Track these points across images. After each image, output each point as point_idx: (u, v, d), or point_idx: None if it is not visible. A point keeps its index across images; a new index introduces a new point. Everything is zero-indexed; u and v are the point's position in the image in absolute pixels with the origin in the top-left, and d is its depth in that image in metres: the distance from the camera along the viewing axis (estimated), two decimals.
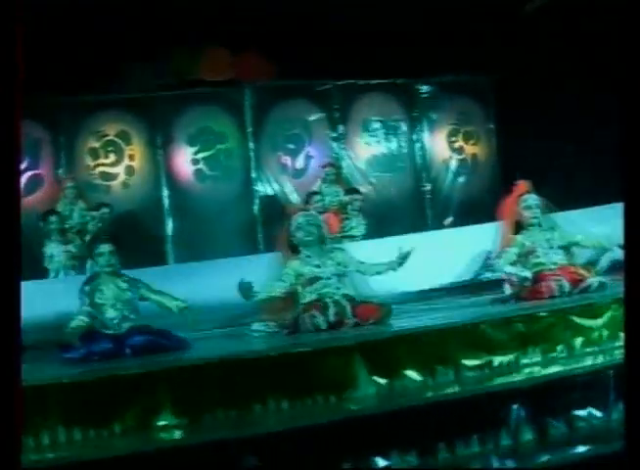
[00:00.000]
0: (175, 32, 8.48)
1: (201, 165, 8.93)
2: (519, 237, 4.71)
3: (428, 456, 3.17)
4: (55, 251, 7.08)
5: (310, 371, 3.40)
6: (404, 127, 9.50)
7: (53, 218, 7.10)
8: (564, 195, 7.56)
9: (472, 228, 5.78)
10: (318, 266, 4.49)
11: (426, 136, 9.57)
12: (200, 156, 8.92)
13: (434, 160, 9.60)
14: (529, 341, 3.72)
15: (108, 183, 8.61)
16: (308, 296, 4.45)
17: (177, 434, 3.19)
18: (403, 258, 4.39)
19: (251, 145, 9.03)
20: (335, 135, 9.30)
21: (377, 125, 9.44)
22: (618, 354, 3.61)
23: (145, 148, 8.77)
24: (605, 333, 3.82)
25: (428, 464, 3.17)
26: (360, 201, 8.08)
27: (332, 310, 4.32)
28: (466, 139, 9.66)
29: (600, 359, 3.69)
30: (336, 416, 3.28)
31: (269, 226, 8.93)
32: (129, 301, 4.39)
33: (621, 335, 3.72)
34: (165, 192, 8.78)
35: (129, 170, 8.72)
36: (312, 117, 9.25)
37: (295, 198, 9.06)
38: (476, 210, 9.04)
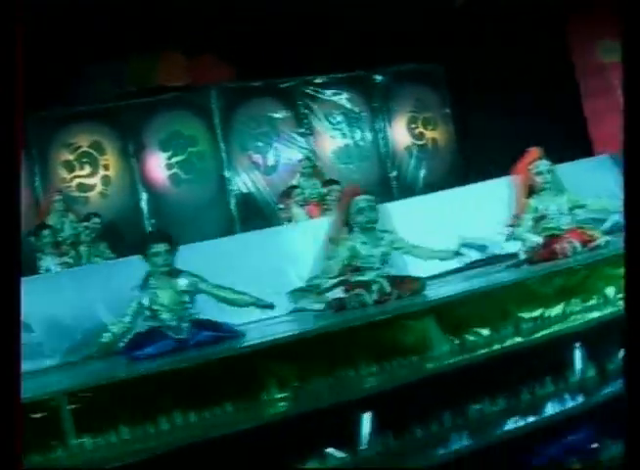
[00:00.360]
0: (133, 39, 8.59)
1: (175, 170, 9.08)
2: (532, 202, 4.97)
3: (512, 399, 3.54)
4: (51, 264, 7.11)
5: (391, 336, 3.68)
6: (366, 118, 9.88)
7: (46, 232, 7.14)
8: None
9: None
10: (371, 256, 4.63)
11: (387, 125, 9.97)
12: (173, 160, 9.07)
13: (396, 147, 10.00)
14: (571, 292, 4.11)
15: (85, 194, 8.66)
16: (353, 278, 4.68)
17: (282, 406, 3.43)
18: (459, 253, 4.67)
19: (222, 146, 9.23)
20: (301, 130, 9.59)
21: (340, 118, 9.79)
22: None
23: (119, 157, 8.86)
24: None
25: (513, 406, 3.53)
26: (338, 191, 8.36)
27: (375, 287, 4.60)
28: (425, 125, 10.11)
29: None
30: (420, 374, 3.59)
31: (247, 224, 9.19)
32: (186, 302, 4.40)
33: None
34: (144, 199, 8.89)
35: (106, 180, 8.79)
36: (278, 115, 9.52)
37: (268, 194, 9.32)
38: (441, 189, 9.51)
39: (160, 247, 4.37)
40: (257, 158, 9.44)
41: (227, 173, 9.25)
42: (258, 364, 3.45)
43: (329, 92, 9.76)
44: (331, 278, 4.56)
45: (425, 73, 10.11)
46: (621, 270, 4.26)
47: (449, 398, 3.48)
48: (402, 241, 4.72)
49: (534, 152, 5.08)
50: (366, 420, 3.28)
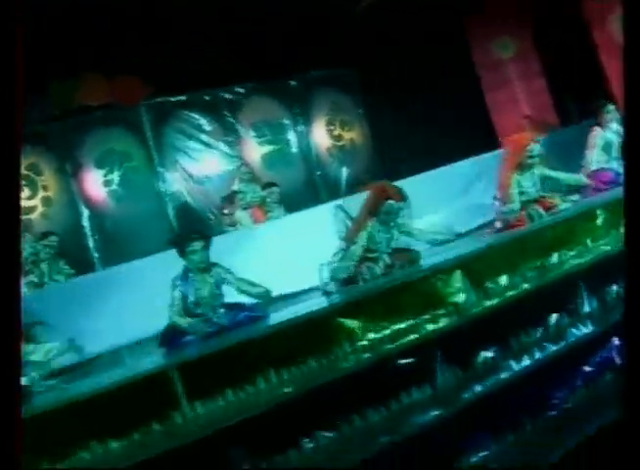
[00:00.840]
0: (53, 63, 8.65)
1: (113, 186, 9.18)
2: (517, 177, 5.53)
3: (544, 330, 4.16)
4: None
5: (428, 291, 4.21)
6: (288, 124, 10.37)
7: None
8: (433, 155, 8.87)
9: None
10: (382, 241, 5.08)
11: (308, 129, 10.50)
12: (110, 177, 9.17)
13: (319, 149, 10.56)
14: (560, 243, 4.80)
15: (28, 217, 8.59)
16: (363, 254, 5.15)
17: (352, 359, 3.87)
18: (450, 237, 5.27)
19: (156, 159, 9.45)
20: (229, 139, 9.94)
21: (264, 127, 10.22)
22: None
23: (56, 176, 8.87)
24: (604, 231, 5.00)
25: (543, 337, 4.15)
26: (277, 193, 8.81)
27: (381, 261, 5.12)
28: (342, 126, 10.73)
29: (609, 247, 4.87)
30: (462, 319, 4.13)
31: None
32: (219, 294, 4.73)
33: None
34: (85, 216, 8.96)
35: (46, 201, 8.78)
36: (205, 126, 9.82)
37: (204, 203, 9.62)
38: (362, 186, 10.14)
39: (197, 245, 4.65)
40: (190, 168, 9.70)
41: (163, 186, 9.47)
42: (331, 323, 3.88)
43: (250, 100, 10.16)
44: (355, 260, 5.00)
45: (336, 77, 10.69)
46: (593, 224, 5.06)
47: (492, 334, 4.06)
48: (407, 225, 5.19)
49: (530, 135, 5.65)
50: (437, 359, 3.78)
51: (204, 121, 9.81)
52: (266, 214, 8.68)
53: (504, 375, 3.85)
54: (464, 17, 10.01)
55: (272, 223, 7.13)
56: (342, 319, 3.92)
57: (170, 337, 4.66)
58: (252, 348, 3.70)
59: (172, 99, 9.64)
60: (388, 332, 3.96)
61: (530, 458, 3.47)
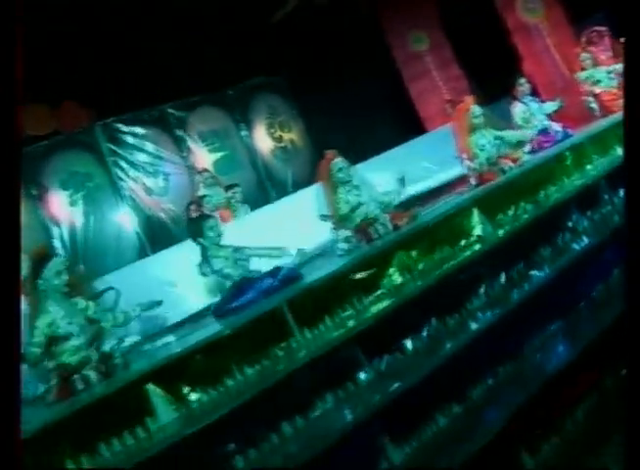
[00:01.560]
0: None
1: (79, 206, 9.50)
2: (473, 138, 6.37)
3: (547, 248, 5.03)
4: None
5: (455, 227, 5.01)
6: (232, 131, 10.99)
7: None
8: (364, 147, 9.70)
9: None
10: (358, 195, 5.63)
11: (251, 133, 11.17)
12: (75, 197, 9.49)
13: (263, 152, 11.23)
14: (544, 181, 5.73)
15: None
16: (360, 217, 5.79)
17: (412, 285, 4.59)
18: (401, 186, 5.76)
19: (116, 176, 9.83)
20: (181, 151, 10.45)
21: (211, 135, 10.79)
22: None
23: (24, 201, 9.07)
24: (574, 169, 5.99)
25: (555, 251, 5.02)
26: (240, 193, 9.40)
27: (382, 220, 5.78)
28: (282, 128, 11.45)
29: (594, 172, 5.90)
30: (486, 246, 4.92)
31: (156, 243, 9.83)
32: (242, 259, 5.13)
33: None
34: (56, 238, 9.22)
35: None
36: (158, 140, 10.29)
37: (167, 213, 10.08)
38: (306, 183, 10.87)
39: (212, 222, 5.13)
40: (149, 182, 10.13)
41: (127, 201, 9.86)
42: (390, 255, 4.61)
43: (195, 112, 10.71)
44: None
45: (268, 84, 11.42)
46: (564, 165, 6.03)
47: (516, 253, 4.90)
48: (371, 191, 5.75)
49: (470, 100, 6.54)
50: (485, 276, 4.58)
51: (155, 136, 10.29)
52: (233, 214, 9.28)
53: (536, 281, 4.70)
54: (379, 15, 10.95)
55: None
56: (401, 252, 4.64)
57: (220, 306, 5.14)
58: (336, 281, 4.37)
59: (123, 117, 10.05)
60: (436, 260, 4.73)
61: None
